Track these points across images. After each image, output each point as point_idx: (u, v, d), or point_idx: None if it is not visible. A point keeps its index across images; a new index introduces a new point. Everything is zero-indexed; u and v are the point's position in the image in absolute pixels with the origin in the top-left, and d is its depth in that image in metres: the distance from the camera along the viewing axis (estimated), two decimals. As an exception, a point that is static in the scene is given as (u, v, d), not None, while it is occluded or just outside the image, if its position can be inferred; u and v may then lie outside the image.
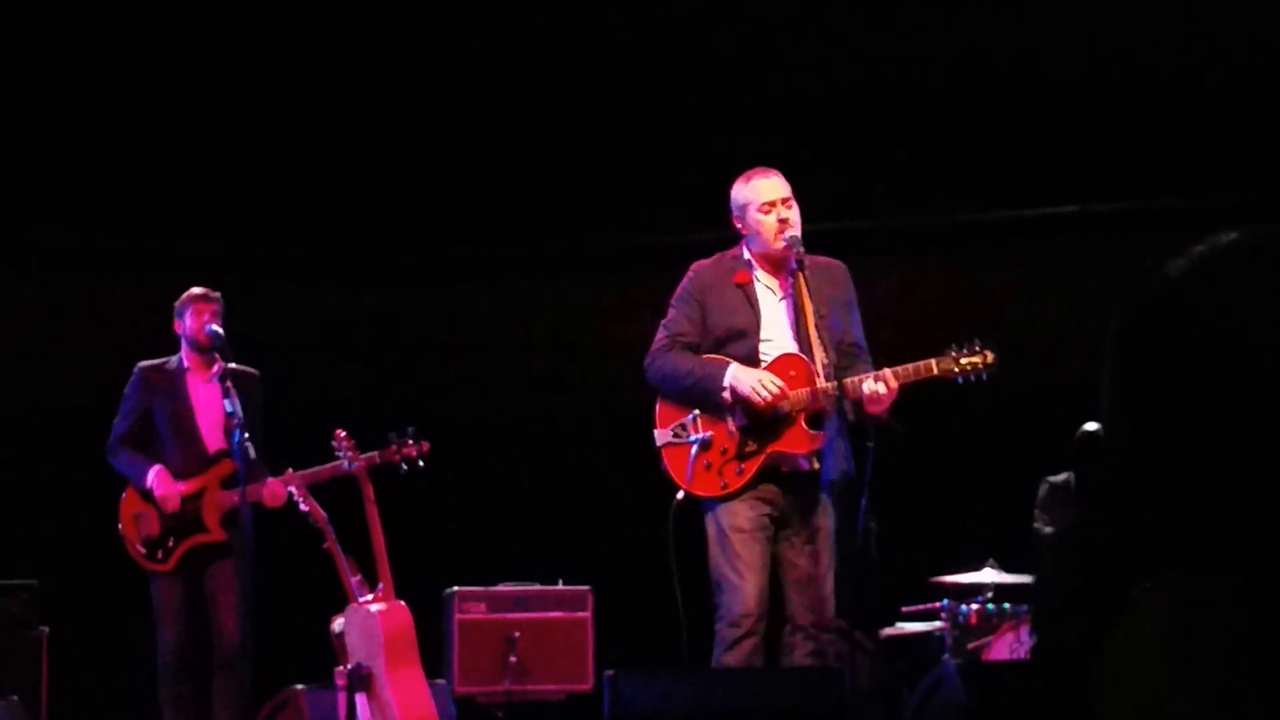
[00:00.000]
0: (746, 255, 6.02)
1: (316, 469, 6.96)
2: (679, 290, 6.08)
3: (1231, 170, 9.64)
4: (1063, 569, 1.95)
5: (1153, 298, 1.38)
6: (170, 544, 7.07)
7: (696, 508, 5.93)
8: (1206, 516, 1.31)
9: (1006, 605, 8.05)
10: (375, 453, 6.93)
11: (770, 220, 5.93)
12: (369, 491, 6.76)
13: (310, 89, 9.42)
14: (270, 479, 6.96)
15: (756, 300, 5.95)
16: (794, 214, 5.95)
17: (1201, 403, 1.32)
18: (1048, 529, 8.93)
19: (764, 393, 5.73)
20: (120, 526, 7.19)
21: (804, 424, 5.80)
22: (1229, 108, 9.48)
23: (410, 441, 6.97)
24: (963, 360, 5.78)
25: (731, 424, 5.81)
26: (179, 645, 7.06)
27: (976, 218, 10.22)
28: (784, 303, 5.95)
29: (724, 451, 5.83)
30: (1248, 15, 8.74)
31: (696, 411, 5.85)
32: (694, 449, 5.83)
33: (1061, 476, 8.92)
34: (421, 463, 6.98)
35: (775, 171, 6.05)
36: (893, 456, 6.00)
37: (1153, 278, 1.38)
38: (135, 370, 7.28)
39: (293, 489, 6.89)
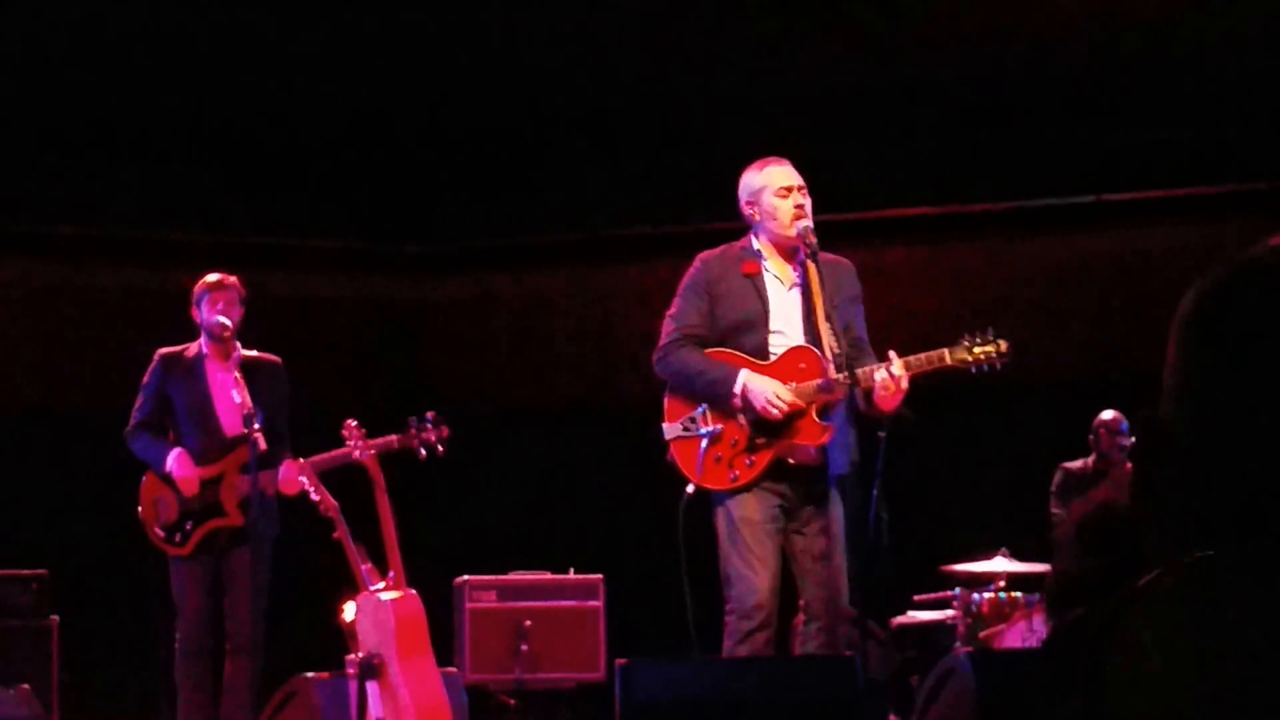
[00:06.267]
0: (755, 245, 5.98)
1: (324, 455, 6.94)
2: (685, 281, 6.03)
3: (1244, 159, 9.63)
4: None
5: (1220, 284, 1.36)
6: (188, 527, 7.10)
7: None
8: (1269, 497, 1.30)
9: (1019, 594, 8.05)
10: (394, 436, 6.90)
11: (787, 205, 5.90)
12: (379, 480, 6.74)
13: (333, 78, 9.40)
14: (285, 464, 6.96)
15: (765, 290, 5.91)
16: (808, 203, 5.93)
17: (1267, 386, 1.32)
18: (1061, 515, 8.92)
19: (774, 410, 5.70)
20: (140, 510, 7.21)
21: (814, 416, 5.77)
22: (1243, 98, 9.47)
23: (430, 426, 6.93)
24: (976, 349, 5.75)
25: (742, 417, 5.79)
26: (196, 631, 7.08)
27: (992, 207, 10.21)
28: (793, 292, 5.91)
29: (734, 444, 5.80)
30: (1256, 6, 8.71)
31: (705, 405, 5.82)
32: (704, 442, 5.80)
33: (1077, 463, 8.90)
34: (441, 448, 6.94)
35: (787, 161, 6.03)
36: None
37: (1227, 263, 1.36)
38: (155, 357, 7.31)
39: (304, 479, 6.88)
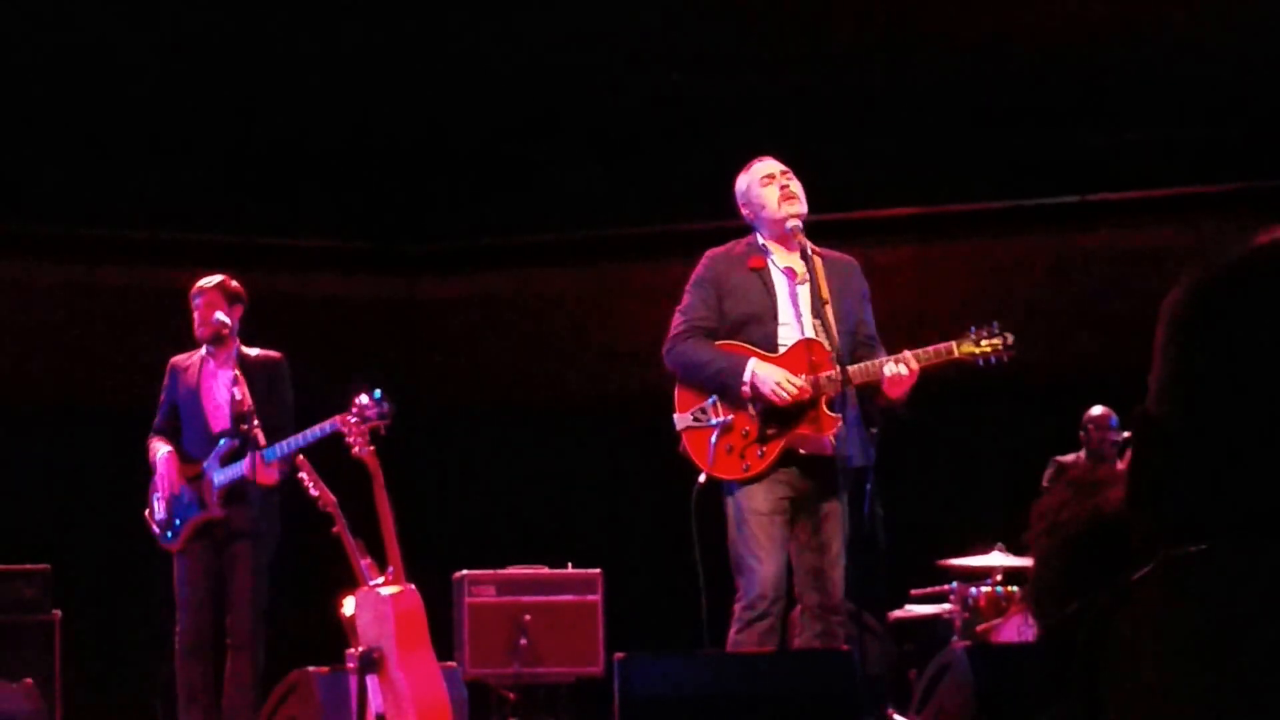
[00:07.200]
0: (760, 241, 6.04)
1: (306, 431, 6.89)
2: (694, 276, 6.09)
3: (1231, 159, 9.67)
4: (1078, 552, 1.93)
5: (1216, 278, 1.36)
6: (177, 524, 7.22)
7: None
8: (1267, 491, 1.30)
9: (1015, 588, 8.08)
10: (338, 417, 6.72)
11: (772, 191, 5.97)
12: (378, 475, 6.75)
13: (333, 78, 9.42)
14: (249, 456, 6.92)
15: (772, 284, 5.96)
16: (796, 184, 5.98)
17: (1265, 381, 1.31)
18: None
19: (783, 394, 5.74)
20: (146, 510, 7.35)
21: (825, 407, 5.81)
22: (1232, 98, 9.50)
23: (373, 402, 6.69)
24: (983, 343, 5.80)
25: (752, 408, 5.83)
26: (197, 626, 7.15)
27: (980, 206, 10.25)
28: (801, 286, 5.96)
29: (745, 434, 5.84)
30: (1245, 7, 8.74)
31: (716, 396, 5.87)
32: (715, 433, 5.85)
33: (1070, 457, 8.93)
34: (382, 424, 6.73)
35: (769, 157, 6.11)
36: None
37: (1215, 259, 1.37)
38: (168, 365, 7.43)
39: (303, 474, 6.90)
